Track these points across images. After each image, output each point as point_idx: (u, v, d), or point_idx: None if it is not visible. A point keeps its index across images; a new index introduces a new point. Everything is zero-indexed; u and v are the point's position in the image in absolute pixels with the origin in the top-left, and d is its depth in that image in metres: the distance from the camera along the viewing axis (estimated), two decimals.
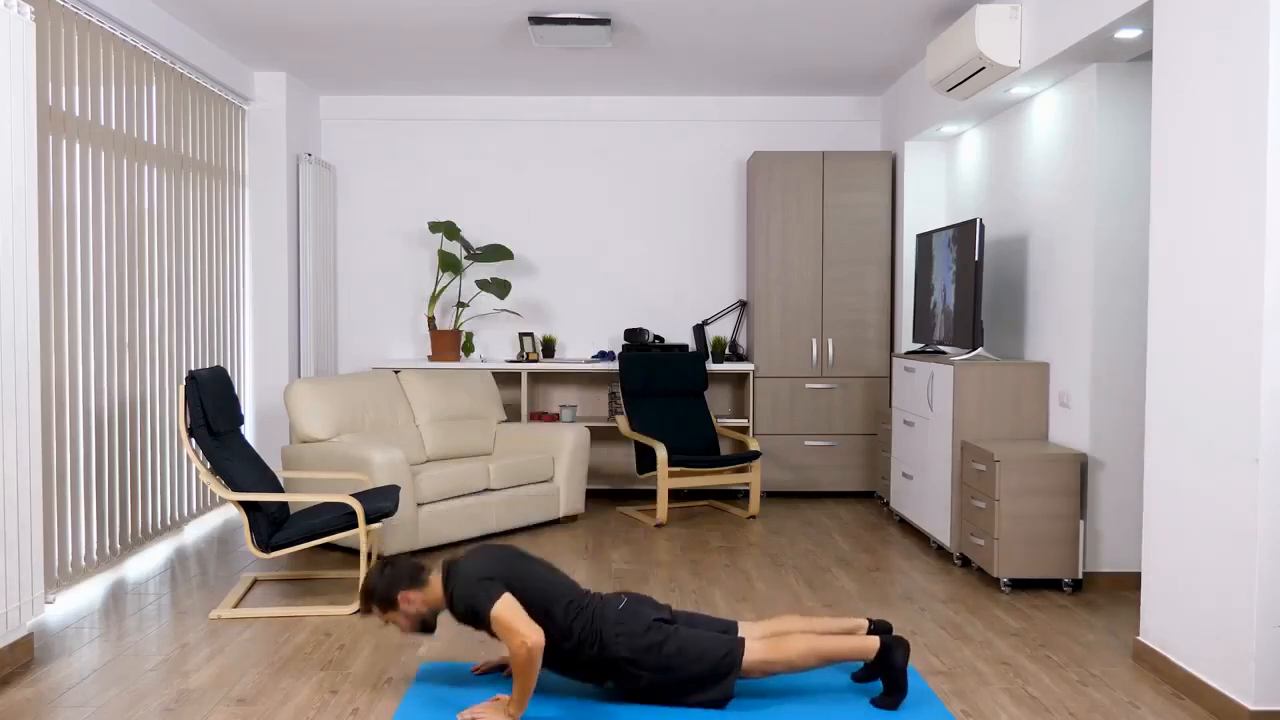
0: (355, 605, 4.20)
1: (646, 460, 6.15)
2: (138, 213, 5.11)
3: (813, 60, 6.18)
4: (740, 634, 3.22)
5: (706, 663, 3.09)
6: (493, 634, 3.08)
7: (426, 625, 3.27)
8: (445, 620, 4.10)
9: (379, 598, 3.23)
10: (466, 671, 3.52)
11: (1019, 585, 4.64)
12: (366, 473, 4.91)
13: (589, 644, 3.13)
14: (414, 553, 5.22)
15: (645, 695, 3.15)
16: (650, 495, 6.96)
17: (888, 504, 6.26)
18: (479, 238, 7.24)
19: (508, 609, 3.02)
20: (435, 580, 3.24)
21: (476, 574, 3.12)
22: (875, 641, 3.16)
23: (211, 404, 4.28)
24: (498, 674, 3.49)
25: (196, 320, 5.78)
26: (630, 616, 3.17)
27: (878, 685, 3.33)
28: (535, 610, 3.13)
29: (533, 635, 2.97)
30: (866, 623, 3.38)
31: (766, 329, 6.73)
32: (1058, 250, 4.81)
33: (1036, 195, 5.06)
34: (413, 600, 3.22)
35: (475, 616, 3.08)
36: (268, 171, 6.51)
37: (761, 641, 3.14)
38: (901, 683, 3.14)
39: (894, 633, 3.40)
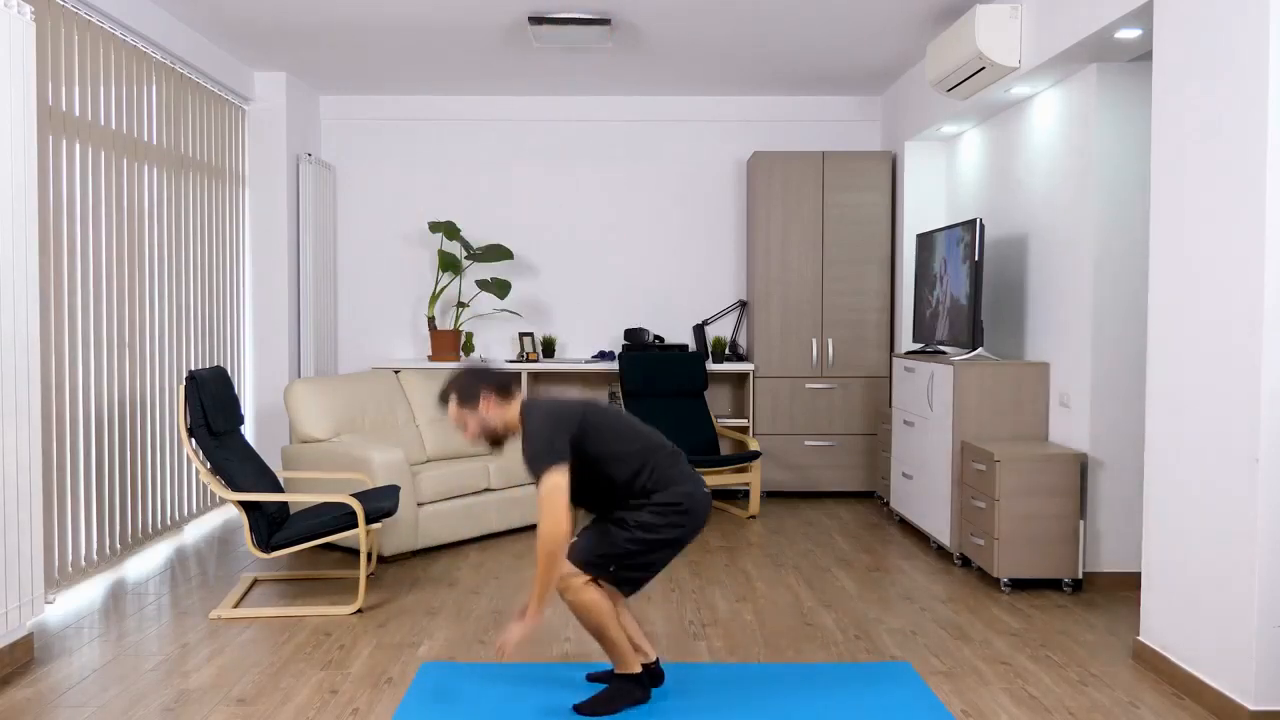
0: (356, 605, 4.20)
1: None
2: (138, 213, 5.11)
3: (813, 60, 6.18)
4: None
5: (616, 551, 3.05)
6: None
7: (496, 439, 3.13)
8: (445, 623, 4.10)
9: (461, 389, 3.09)
10: (466, 671, 3.52)
11: (1019, 585, 4.64)
12: (366, 473, 4.91)
13: (641, 484, 3.06)
14: (414, 553, 5.22)
15: (604, 531, 3.08)
16: None
17: (888, 504, 6.26)
18: (479, 238, 7.24)
19: (556, 487, 2.91)
20: (518, 407, 3.12)
21: (553, 420, 3.01)
22: (638, 666, 3.16)
23: (211, 404, 4.28)
24: (501, 673, 3.49)
25: (196, 320, 5.78)
26: (686, 473, 3.11)
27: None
28: (600, 458, 3.04)
29: (562, 525, 2.88)
30: (654, 657, 3.32)
31: (766, 329, 6.73)
32: (1058, 250, 4.81)
33: (1036, 195, 5.06)
34: (492, 406, 3.10)
35: (531, 466, 2.98)
36: (268, 171, 6.51)
37: (599, 590, 3.07)
38: (602, 709, 3.11)
39: (663, 680, 3.34)
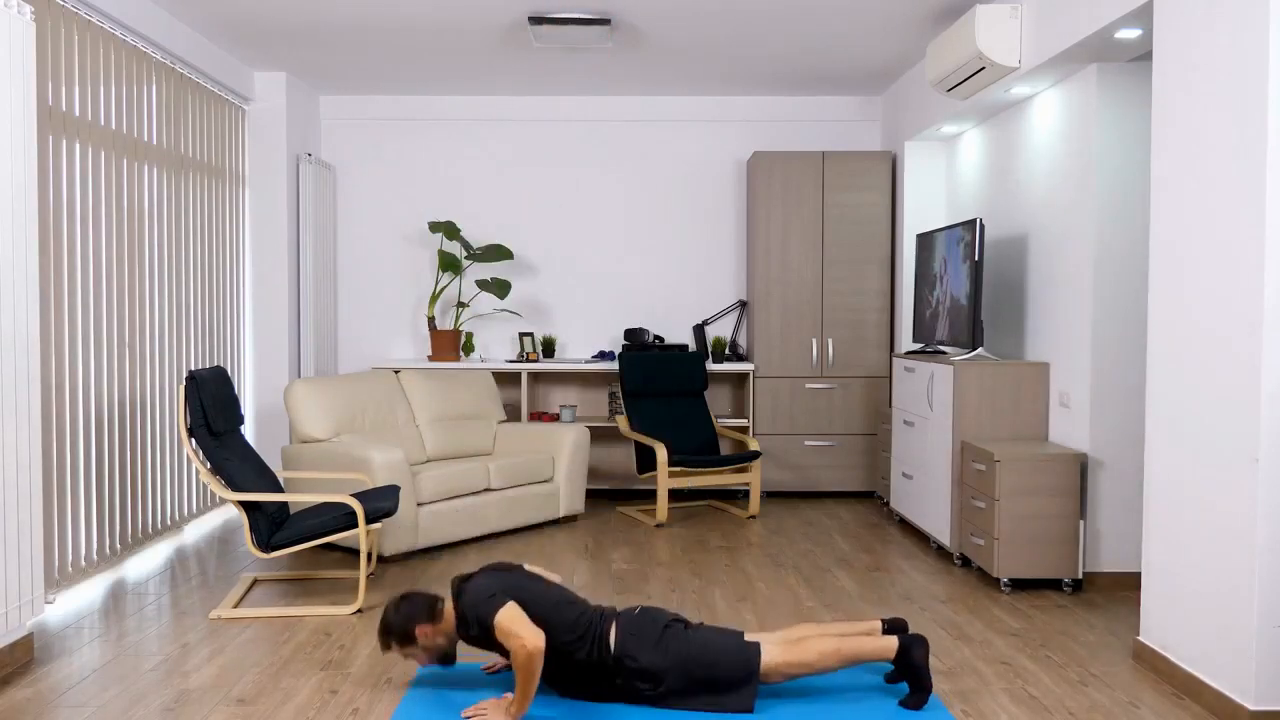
0: (356, 605, 4.21)
1: (646, 460, 6.16)
2: (138, 213, 5.11)
3: (813, 60, 6.18)
4: (750, 638, 3.21)
5: (724, 665, 3.09)
6: (505, 652, 3.12)
7: (446, 657, 3.27)
8: None
9: (397, 634, 3.22)
10: (466, 672, 3.52)
11: (1019, 585, 4.64)
12: (366, 473, 4.91)
13: (598, 652, 3.14)
14: (414, 553, 5.22)
15: (665, 701, 3.13)
16: (650, 495, 6.96)
17: (888, 504, 6.26)
18: (479, 238, 7.24)
19: (510, 614, 3.05)
20: (449, 610, 3.25)
21: (484, 591, 3.15)
22: (893, 641, 3.17)
23: (211, 404, 4.28)
24: (504, 674, 3.49)
25: (196, 320, 5.78)
26: (645, 621, 3.18)
27: (904, 687, 3.34)
28: (542, 621, 3.14)
29: (534, 638, 2.98)
30: (880, 624, 3.39)
31: (766, 329, 6.73)
32: (1058, 250, 4.81)
33: (1036, 195, 5.06)
34: (429, 634, 3.23)
35: (483, 628, 3.10)
36: (268, 171, 6.51)
37: (780, 645, 3.15)
38: (924, 681, 3.14)
39: (907, 629, 3.40)
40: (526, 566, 3.50)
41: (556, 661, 3.16)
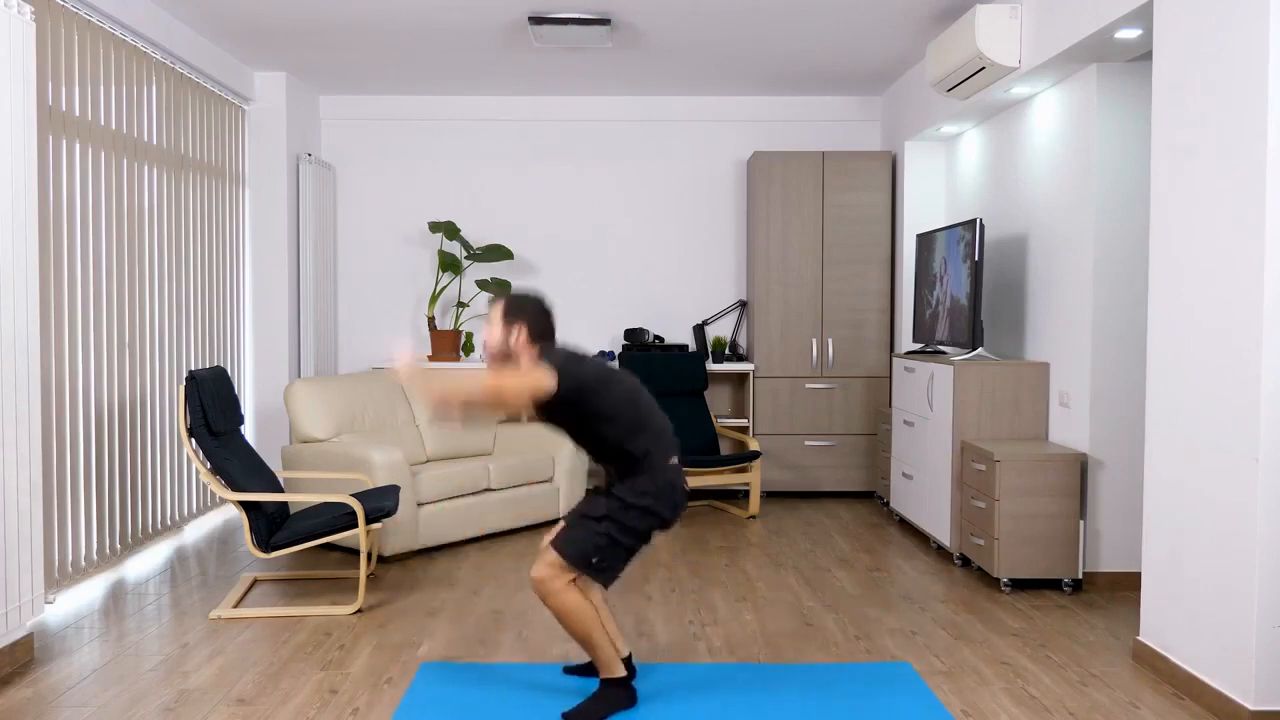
0: (356, 605, 4.21)
1: None
2: (138, 213, 5.11)
3: (813, 60, 6.18)
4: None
5: (591, 548, 3.07)
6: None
7: (508, 358, 3.16)
8: (445, 623, 4.10)
9: (516, 304, 3.14)
10: (466, 671, 3.52)
11: (1019, 585, 4.64)
12: (366, 473, 4.91)
13: (620, 467, 3.14)
14: (414, 553, 5.22)
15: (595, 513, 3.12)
16: None
17: (888, 504, 6.26)
18: (479, 238, 7.24)
19: (520, 383, 2.96)
20: (540, 357, 3.12)
21: (561, 356, 3.08)
22: (622, 670, 3.16)
23: (211, 404, 4.28)
24: (501, 674, 3.49)
25: (196, 320, 5.78)
26: (664, 490, 3.13)
27: (592, 683, 3.37)
28: (625, 410, 3.10)
29: (451, 400, 2.91)
30: (627, 652, 3.32)
31: (766, 329, 6.73)
32: (1058, 250, 4.81)
33: (1036, 195, 5.06)
34: (523, 336, 3.11)
35: (504, 353, 3.09)
36: (268, 171, 6.51)
37: (565, 580, 3.09)
38: (592, 718, 3.10)
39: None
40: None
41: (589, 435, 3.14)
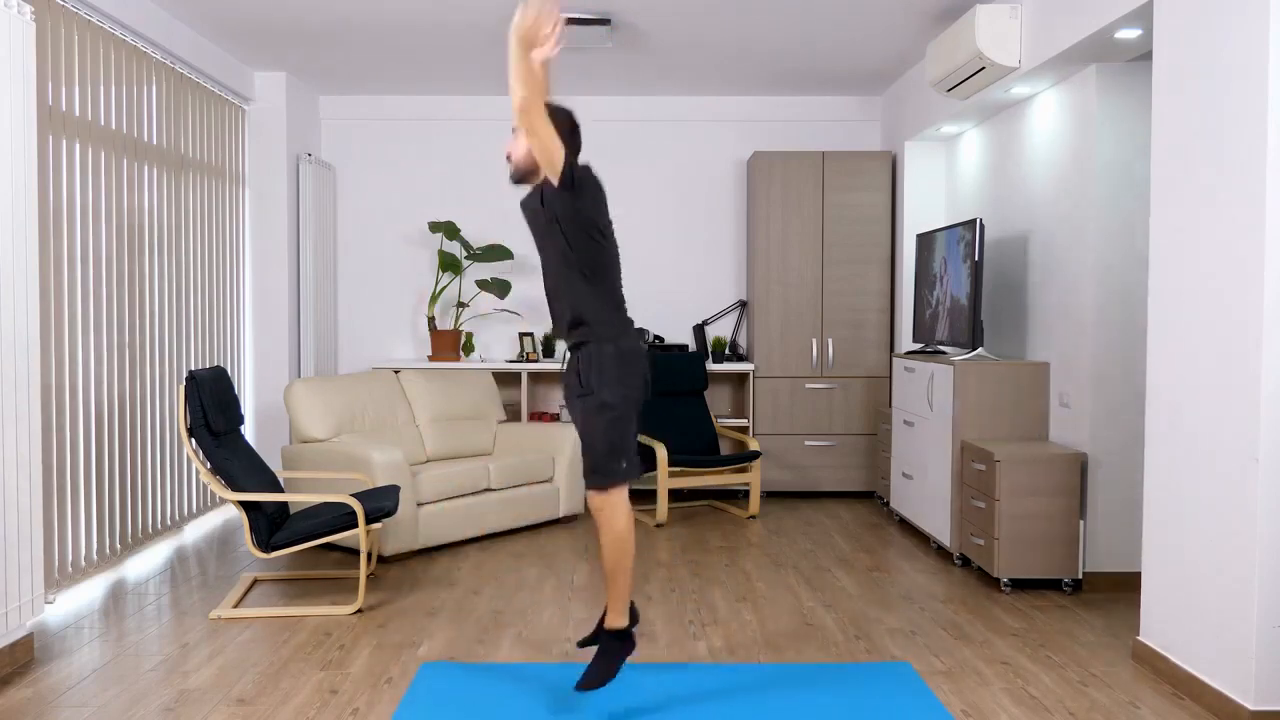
0: (356, 605, 4.20)
1: (646, 460, 6.15)
2: (138, 213, 5.11)
3: (813, 60, 6.18)
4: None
5: (605, 449, 3.13)
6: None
7: (527, 175, 3.16)
8: (445, 623, 4.10)
9: (560, 111, 3.13)
10: (466, 671, 3.52)
11: (1019, 585, 4.64)
12: (366, 473, 4.91)
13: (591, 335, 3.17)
14: (414, 553, 5.22)
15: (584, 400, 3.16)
16: (650, 495, 6.96)
17: (888, 504, 6.26)
18: (479, 238, 7.24)
19: (540, 111, 2.94)
20: (568, 144, 3.10)
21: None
22: (627, 617, 3.19)
23: (211, 404, 4.28)
24: (501, 674, 3.49)
25: (196, 320, 5.78)
26: (628, 356, 3.17)
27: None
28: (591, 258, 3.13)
29: (533, 96, 2.90)
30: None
31: (766, 329, 6.73)
32: (1058, 250, 4.81)
33: (1036, 195, 5.06)
34: (559, 134, 3.05)
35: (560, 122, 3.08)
36: (268, 171, 6.51)
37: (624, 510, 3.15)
38: (604, 675, 3.11)
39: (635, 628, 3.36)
40: None
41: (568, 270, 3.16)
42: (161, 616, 4.16)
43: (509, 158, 3.20)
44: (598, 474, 3.13)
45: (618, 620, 3.18)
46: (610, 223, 3.19)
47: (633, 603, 3.30)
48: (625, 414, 3.14)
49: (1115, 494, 4.53)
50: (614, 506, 3.13)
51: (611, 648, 3.16)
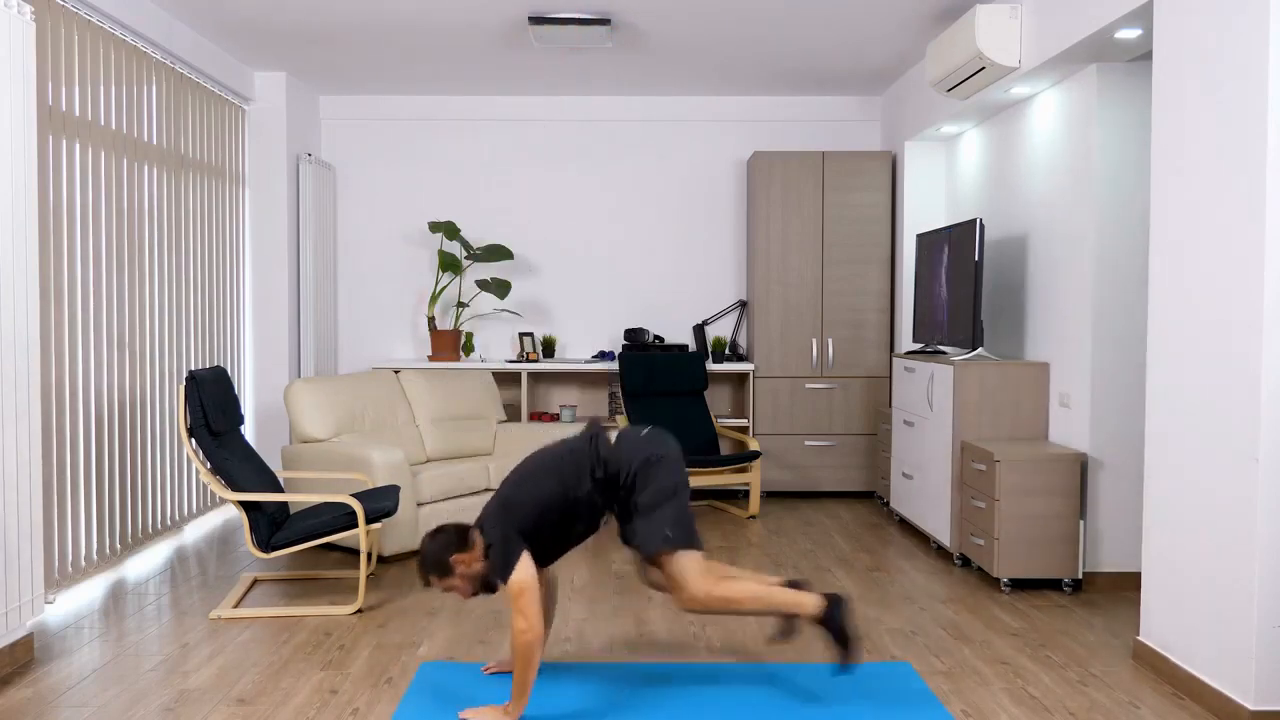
0: (356, 605, 4.21)
1: None
2: (138, 213, 5.11)
3: (813, 60, 6.18)
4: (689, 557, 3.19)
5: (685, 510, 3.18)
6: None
7: (488, 586, 3.20)
8: (445, 623, 4.10)
9: (432, 565, 3.16)
10: (466, 671, 3.52)
11: (1019, 585, 4.64)
12: (366, 473, 4.91)
13: (591, 518, 3.23)
14: (414, 553, 5.22)
15: (631, 500, 3.18)
16: None
17: (888, 504, 6.26)
18: (479, 238, 7.24)
19: (526, 587, 3.02)
20: (479, 540, 3.18)
21: (500, 530, 3.12)
22: (816, 599, 3.16)
23: (211, 404, 4.28)
24: (501, 674, 3.49)
25: (196, 320, 5.78)
26: (629, 445, 3.21)
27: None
28: (548, 516, 3.17)
29: (536, 628, 2.98)
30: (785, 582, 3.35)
31: (766, 329, 6.73)
32: (1058, 250, 4.81)
33: (1036, 195, 5.06)
34: (466, 561, 3.15)
35: (499, 569, 3.10)
36: (268, 171, 6.51)
37: (710, 575, 3.14)
38: (848, 639, 3.13)
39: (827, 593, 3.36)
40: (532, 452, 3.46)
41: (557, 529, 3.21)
42: (161, 616, 4.16)
43: (463, 595, 3.24)
44: (679, 540, 3.13)
45: (813, 609, 3.15)
46: (525, 480, 3.21)
47: (794, 582, 3.29)
48: (678, 494, 3.18)
49: (1115, 494, 4.53)
50: (716, 591, 3.12)
51: (837, 617, 3.14)
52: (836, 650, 3.15)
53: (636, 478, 3.16)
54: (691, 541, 3.13)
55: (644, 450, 3.19)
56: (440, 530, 3.20)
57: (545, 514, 3.17)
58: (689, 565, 3.11)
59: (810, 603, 3.15)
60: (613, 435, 3.27)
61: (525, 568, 3.06)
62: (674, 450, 3.24)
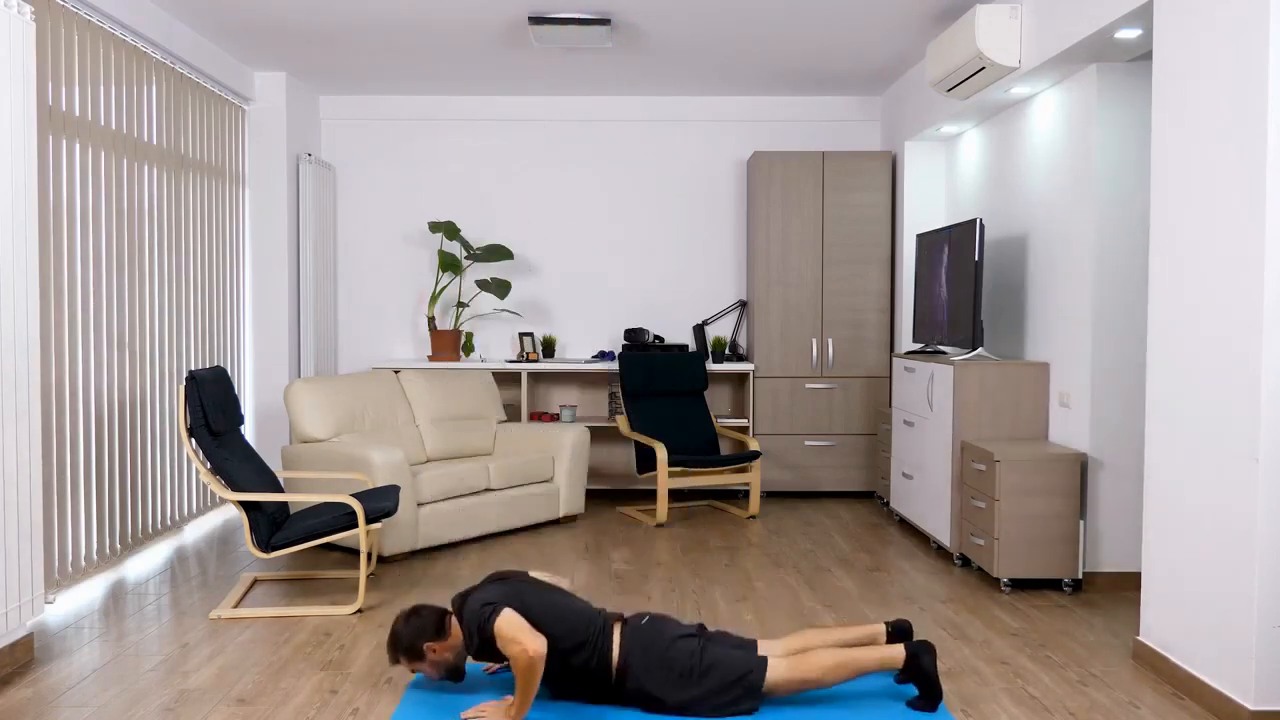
0: (356, 605, 4.21)
1: (646, 460, 6.15)
2: (138, 213, 5.11)
3: (813, 60, 6.18)
4: (761, 652, 3.18)
5: (727, 680, 3.07)
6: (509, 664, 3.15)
7: (455, 671, 3.26)
8: None
9: (405, 649, 3.22)
10: (466, 672, 3.51)
11: (1019, 585, 4.64)
12: (366, 473, 4.91)
13: (598, 662, 3.12)
14: (414, 553, 5.22)
15: (665, 710, 3.12)
16: (650, 495, 6.96)
17: (888, 504, 6.26)
18: (479, 238, 7.24)
19: (508, 620, 3.05)
20: (456, 627, 3.25)
21: (480, 600, 3.15)
22: (900, 650, 3.14)
23: (211, 404, 4.28)
24: (504, 674, 3.49)
25: (196, 320, 5.78)
26: (653, 634, 3.16)
27: (911, 688, 3.33)
28: (541, 627, 3.12)
29: (534, 644, 2.98)
30: (884, 628, 3.34)
31: (766, 329, 6.73)
32: (1058, 250, 4.81)
33: (1036, 195, 5.06)
34: (437, 650, 3.21)
35: (484, 639, 3.11)
36: (268, 171, 6.51)
37: (785, 659, 3.12)
38: (935, 689, 3.12)
39: (911, 632, 3.38)
40: (531, 573, 3.49)
41: (556, 665, 3.15)
42: (161, 616, 4.16)
43: (427, 675, 3.29)
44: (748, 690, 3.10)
45: (894, 662, 3.14)
46: (520, 594, 3.22)
47: (891, 626, 3.32)
48: (702, 657, 3.14)
49: (1115, 494, 4.53)
50: (800, 669, 3.11)
51: (923, 663, 3.12)
52: (921, 698, 3.14)
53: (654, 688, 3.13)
54: (753, 668, 3.09)
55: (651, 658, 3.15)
56: (416, 612, 3.24)
57: (550, 628, 3.15)
58: (773, 676, 3.09)
59: (896, 657, 3.14)
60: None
61: (505, 615, 3.06)
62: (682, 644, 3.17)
